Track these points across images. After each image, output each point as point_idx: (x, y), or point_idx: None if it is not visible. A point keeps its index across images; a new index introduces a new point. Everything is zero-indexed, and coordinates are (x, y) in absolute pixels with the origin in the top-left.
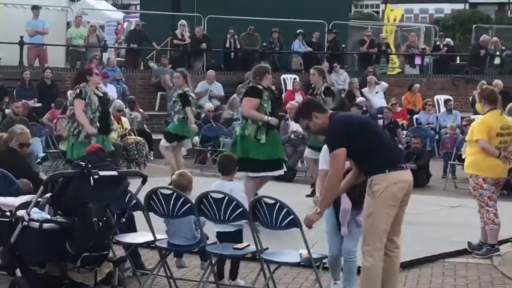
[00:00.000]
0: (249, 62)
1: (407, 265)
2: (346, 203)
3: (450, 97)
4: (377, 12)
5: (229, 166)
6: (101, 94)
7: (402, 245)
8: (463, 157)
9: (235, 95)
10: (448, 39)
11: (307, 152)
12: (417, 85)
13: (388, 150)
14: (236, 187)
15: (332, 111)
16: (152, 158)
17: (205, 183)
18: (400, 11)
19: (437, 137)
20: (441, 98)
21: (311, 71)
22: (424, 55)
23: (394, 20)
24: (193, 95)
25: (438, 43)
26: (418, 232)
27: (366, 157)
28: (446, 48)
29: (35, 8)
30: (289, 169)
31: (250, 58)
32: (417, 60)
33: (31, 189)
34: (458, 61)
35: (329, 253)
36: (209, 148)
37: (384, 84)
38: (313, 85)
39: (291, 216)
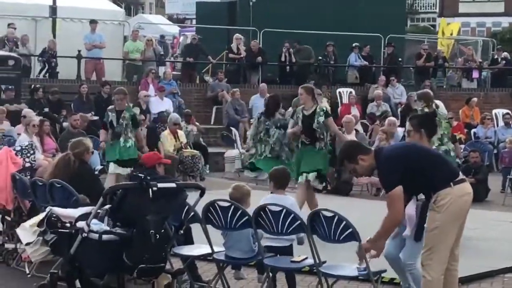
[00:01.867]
0: (305, 75)
1: (466, 280)
2: (411, 208)
3: (509, 111)
4: (433, 26)
5: (283, 180)
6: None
7: (461, 259)
8: None
9: (290, 108)
10: (505, 53)
11: None
12: (475, 99)
13: (447, 165)
14: (295, 203)
15: (374, 149)
16: (208, 171)
17: (262, 196)
18: (457, 25)
19: (495, 151)
20: (499, 112)
21: (299, 90)
22: (481, 69)
23: (451, 34)
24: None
25: (495, 56)
26: (477, 247)
27: (426, 178)
28: (504, 62)
29: (93, 22)
30: (346, 183)
31: (306, 72)
32: (475, 74)
33: (88, 204)
34: None
35: (384, 254)
36: None
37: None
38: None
39: (350, 229)
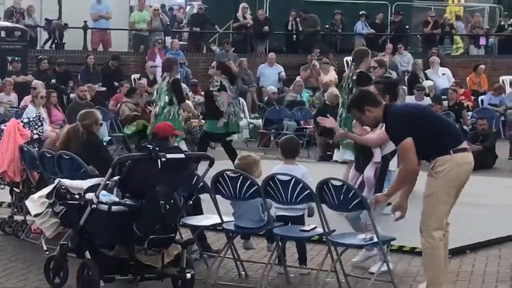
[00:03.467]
0: (311, 44)
1: (475, 247)
2: (370, 171)
3: None
4: None
5: (293, 150)
6: None
7: (469, 227)
8: None
9: (298, 77)
10: None
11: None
12: (482, 66)
13: (450, 131)
14: (307, 172)
15: (386, 103)
16: None
17: (269, 166)
18: None
19: (502, 118)
20: (506, 79)
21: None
22: (488, 36)
23: (459, 0)
24: None
25: (502, 23)
26: (485, 213)
27: (428, 142)
28: (511, 28)
29: None
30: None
31: (312, 40)
32: (482, 41)
33: (97, 175)
34: None
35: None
36: (272, 131)
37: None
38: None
39: (359, 198)
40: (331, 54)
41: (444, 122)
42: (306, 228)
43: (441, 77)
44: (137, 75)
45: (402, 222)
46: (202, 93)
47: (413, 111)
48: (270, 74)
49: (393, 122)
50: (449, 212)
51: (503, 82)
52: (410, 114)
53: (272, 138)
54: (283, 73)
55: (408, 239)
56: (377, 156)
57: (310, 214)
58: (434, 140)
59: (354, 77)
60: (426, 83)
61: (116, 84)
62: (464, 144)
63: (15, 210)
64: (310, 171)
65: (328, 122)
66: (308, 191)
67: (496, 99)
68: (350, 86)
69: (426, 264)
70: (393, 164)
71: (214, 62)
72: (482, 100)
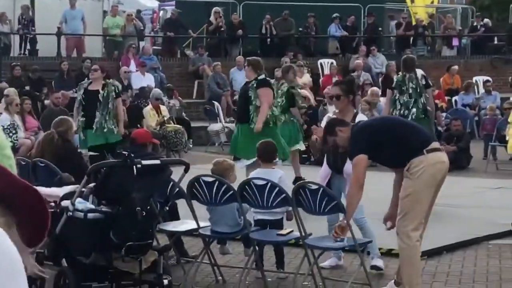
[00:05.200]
0: (285, 47)
1: (451, 248)
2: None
3: (489, 78)
4: None
5: (270, 153)
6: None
7: (445, 227)
8: (506, 138)
9: (273, 80)
10: (485, 20)
11: None
12: (456, 67)
13: (419, 134)
14: (284, 175)
15: (353, 123)
16: (191, 146)
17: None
18: None
19: (476, 118)
20: (479, 79)
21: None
22: (461, 37)
23: (432, 2)
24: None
25: (475, 23)
26: (461, 214)
27: (400, 150)
28: (483, 29)
29: None
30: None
31: (286, 44)
32: (455, 42)
33: (73, 182)
34: (496, 42)
35: None
36: None
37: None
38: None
39: (335, 201)
40: (300, 55)
41: (409, 127)
42: (282, 232)
43: None
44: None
45: (379, 223)
46: (179, 97)
47: (375, 125)
48: (240, 77)
49: (352, 137)
50: (427, 213)
51: (476, 82)
52: (372, 129)
53: None
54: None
55: (386, 241)
56: None
57: (289, 218)
58: (405, 147)
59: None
60: None
61: None
62: (436, 144)
63: None
64: (286, 174)
65: (319, 131)
66: (284, 195)
67: (468, 98)
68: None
69: (403, 265)
70: None
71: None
72: (455, 101)
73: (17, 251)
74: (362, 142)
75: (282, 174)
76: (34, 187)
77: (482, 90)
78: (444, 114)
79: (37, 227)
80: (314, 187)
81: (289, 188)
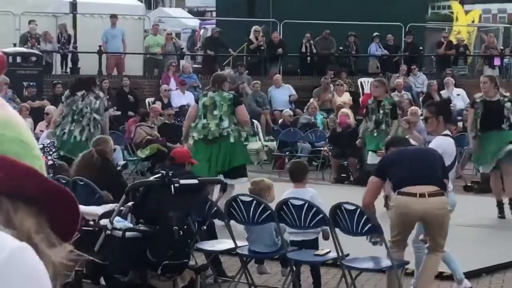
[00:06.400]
0: (325, 66)
1: (490, 270)
2: None
3: None
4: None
5: (301, 174)
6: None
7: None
8: None
9: (312, 99)
10: None
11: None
12: None
13: (404, 171)
14: (316, 194)
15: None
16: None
17: (283, 189)
18: (478, 12)
19: None
20: None
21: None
22: (503, 56)
23: (473, 21)
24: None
25: None
26: (501, 235)
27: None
28: None
29: (113, 17)
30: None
31: (326, 62)
32: (496, 61)
33: (112, 201)
34: None
35: None
36: (287, 153)
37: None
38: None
39: (372, 222)
40: (343, 73)
41: (406, 164)
42: (320, 252)
43: (456, 98)
44: (151, 99)
45: None
46: None
47: (391, 156)
48: (278, 95)
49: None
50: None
51: None
52: (390, 154)
53: (286, 161)
54: (293, 95)
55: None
56: None
57: (325, 238)
58: (392, 178)
59: None
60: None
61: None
62: (413, 189)
63: None
64: (324, 193)
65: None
66: (322, 215)
67: None
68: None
69: None
70: None
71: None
72: None
73: (45, 268)
74: (380, 165)
75: (313, 193)
76: (65, 187)
77: None
78: None
79: (69, 226)
80: (351, 207)
81: (322, 205)
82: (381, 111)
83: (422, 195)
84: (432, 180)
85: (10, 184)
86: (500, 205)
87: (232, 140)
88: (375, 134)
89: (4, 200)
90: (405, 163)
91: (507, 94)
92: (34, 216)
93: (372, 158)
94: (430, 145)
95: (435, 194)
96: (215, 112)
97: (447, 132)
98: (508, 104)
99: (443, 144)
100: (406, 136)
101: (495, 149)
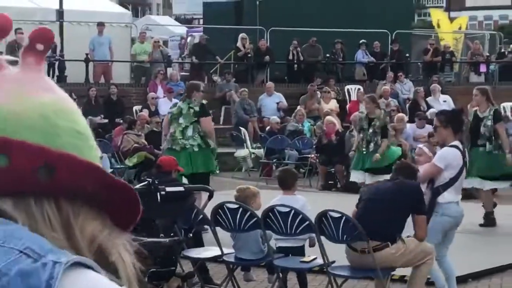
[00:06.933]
0: (312, 73)
1: (476, 276)
2: None
3: None
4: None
5: (290, 181)
6: None
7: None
8: None
9: (299, 107)
10: None
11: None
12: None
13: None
14: (306, 202)
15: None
16: (217, 171)
17: (271, 196)
18: (465, 19)
19: None
20: (507, 105)
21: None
22: (489, 63)
23: (460, 28)
24: None
25: (503, 50)
26: (487, 241)
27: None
28: (511, 55)
29: (100, 24)
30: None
31: (313, 70)
32: (482, 68)
33: None
34: None
35: None
36: (274, 160)
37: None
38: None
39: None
40: (331, 80)
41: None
42: (306, 259)
43: (442, 105)
44: (138, 107)
45: None
46: None
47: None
48: (270, 103)
49: None
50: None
51: (503, 108)
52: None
53: (274, 168)
54: (283, 102)
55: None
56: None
57: (311, 245)
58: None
59: None
60: (431, 111)
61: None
62: (357, 244)
63: None
64: (311, 200)
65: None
66: (308, 222)
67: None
68: None
69: None
70: (443, 197)
71: None
72: None
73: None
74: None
75: (304, 201)
76: (124, 180)
77: (510, 117)
78: None
79: (129, 217)
80: (336, 215)
81: (311, 213)
82: (371, 130)
83: (363, 252)
84: (376, 235)
85: (71, 186)
86: (488, 216)
87: (196, 148)
88: (364, 152)
89: (64, 204)
90: (360, 212)
91: (496, 107)
92: (95, 218)
93: (354, 176)
94: (435, 157)
95: (379, 249)
96: (180, 121)
97: (455, 143)
98: (488, 122)
99: (447, 156)
100: (419, 146)
101: (482, 167)
